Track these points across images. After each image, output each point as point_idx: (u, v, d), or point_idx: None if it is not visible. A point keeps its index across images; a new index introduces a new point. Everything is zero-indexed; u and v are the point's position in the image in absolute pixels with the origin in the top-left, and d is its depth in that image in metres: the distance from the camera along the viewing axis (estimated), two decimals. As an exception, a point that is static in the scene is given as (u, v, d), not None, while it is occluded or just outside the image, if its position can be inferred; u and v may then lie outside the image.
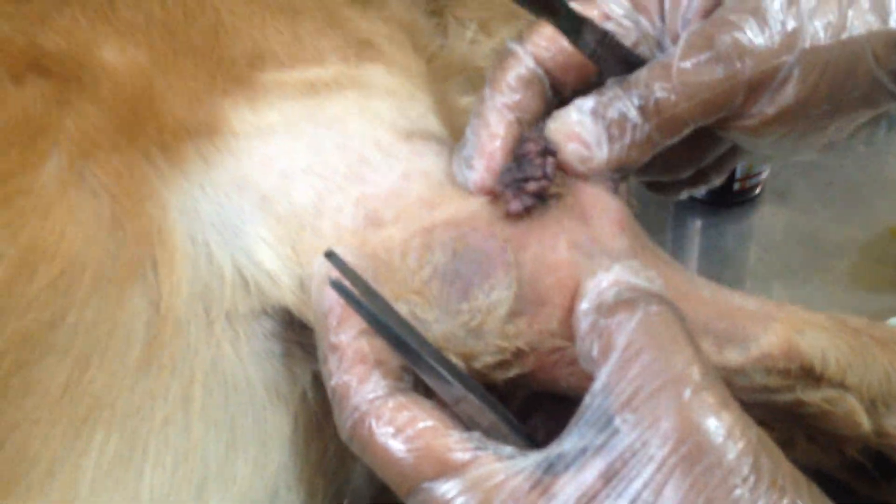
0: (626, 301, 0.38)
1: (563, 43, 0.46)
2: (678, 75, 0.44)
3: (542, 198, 0.44)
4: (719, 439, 0.35)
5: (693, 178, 0.56)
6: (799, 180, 0.83)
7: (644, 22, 0.48)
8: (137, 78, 0.46)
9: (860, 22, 0.43)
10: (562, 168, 0.46)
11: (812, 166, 0.83)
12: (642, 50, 0.48)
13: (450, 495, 0.36)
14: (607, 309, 0.38)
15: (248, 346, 0.45)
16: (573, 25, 0.45)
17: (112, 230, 0.42)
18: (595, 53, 0.46)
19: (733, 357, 0.44)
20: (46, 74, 0.45)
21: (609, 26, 0.47)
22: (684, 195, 0.58)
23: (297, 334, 0.46)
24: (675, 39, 0.47)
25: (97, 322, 0.40)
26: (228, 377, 0.44)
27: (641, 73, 0.45)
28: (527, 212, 0.44)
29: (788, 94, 0.44)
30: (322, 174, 0.46)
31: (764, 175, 0.80)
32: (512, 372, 0.44)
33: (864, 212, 0.78)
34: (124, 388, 0.41)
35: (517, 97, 0.46)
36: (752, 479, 0.34)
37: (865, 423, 0.45)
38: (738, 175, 0.80)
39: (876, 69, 0.44)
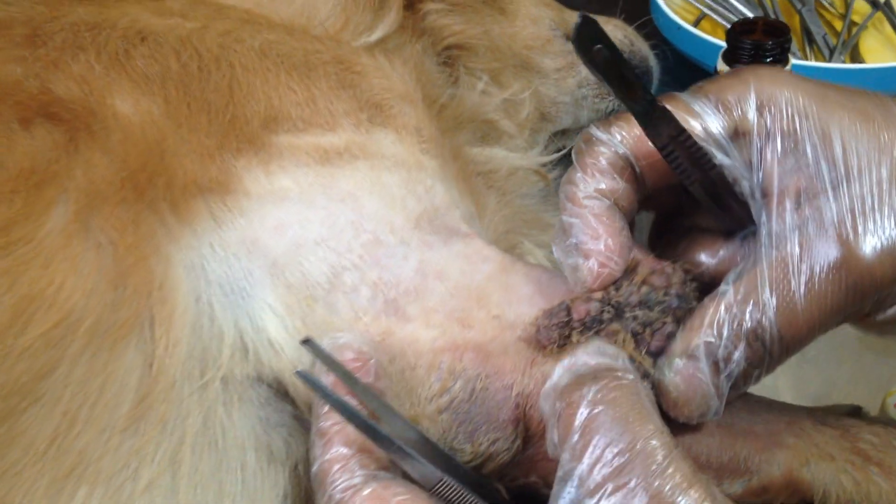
0: (575, 382, 0.38)
1: (646, 141, 0.43)
2: (807, 306, 0.40)
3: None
4: None
5: None
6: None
7: (734, 152, 0.43)
8: (150, 130, 0.46)
9: None
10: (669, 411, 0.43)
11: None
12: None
13: None
14: (561, 391, 0.38)
15: (241, 411, 0.44)
16: (649, 112, 0.42)
17: (113, 284, 0.42)
18: (666, 148, 0.43)
19: (733, 489, 0.44)
20: (57, 121, 0.45)
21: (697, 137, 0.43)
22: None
23: (293, 406, 0.46)
24: (768, 194, 0.43)
25: (88, 377, 0.40)
26: (219, 441, 0.43)
27: (762, 301, 0.40)
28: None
29: None
30: (337, 250, 0.46)
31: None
32: (507, 480, 0.45)
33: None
34: (111, 445, 0.40)
35: (612, 183, 0.44)
36: None
37: None
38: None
39: None
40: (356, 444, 0.40)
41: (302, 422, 0.45)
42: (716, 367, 0.40)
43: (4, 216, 0.41)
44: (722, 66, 0.66)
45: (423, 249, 0.47)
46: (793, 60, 0.93)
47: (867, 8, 1.04)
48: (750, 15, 0.99)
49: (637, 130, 0.44)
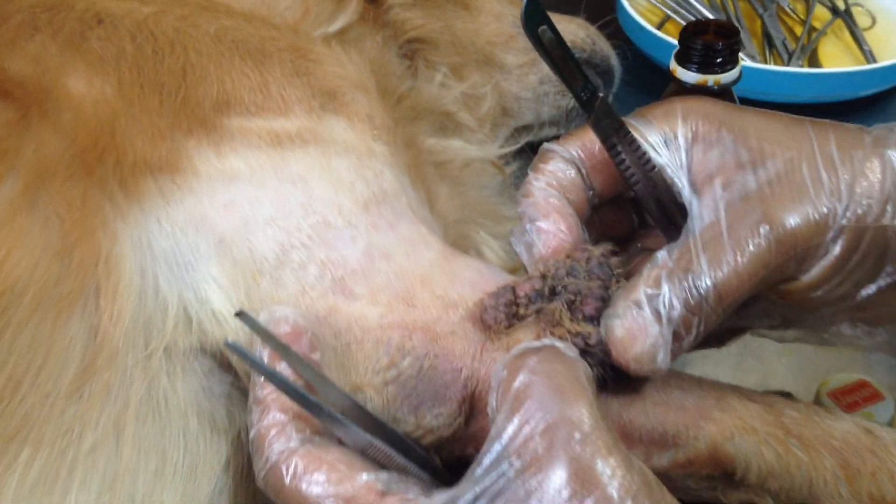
0: (520, 354, 0.40)
1: (594, 148, 0.49)
2: (735, 258, 0.44)
3: None
4: (603, 481, 0.36)
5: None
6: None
7: (667, 153, 0.48)
8: (102, 109, 0.47)
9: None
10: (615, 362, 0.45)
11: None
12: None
13: None
14: (504, 364, 0.40)
15: (184, 381, 0.46)
16: (591, 102, 0.47)
17: (59, 256, 0.43)
18: (609, 140, 0.47)
19: (660, 463, 0.46)
20: (10, 99, 0.46)
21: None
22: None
23: (236, 377, 0.47)
24: (702, 181, 0.47)
25: (33, 344, 0.41)
26: (162, 408, 0.45)
27: (696, 258, 0.44)
28: None
29: (826, 263, 0.45)
30: (286, 229, 0.47)
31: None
32: (444, 452, 0.46)
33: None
34: (56, 410, 0.41)
35: (563, 180, 0.48)
36: None
37: None
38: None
39: None
40: (291, 411, 0.41)
41: (244, 392, 0.47)
42: (657, 315, 0.43)
43: (-47, 190, 0.42)
44: (674, 65, 0.68)
45: (371, 232, 0.49)
46: (751, 63, 0.96)
47: (828, 15, 1.06)
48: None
49: (584, 139, 0.49)
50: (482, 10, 0.82)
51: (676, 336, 0.43)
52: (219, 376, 0.47)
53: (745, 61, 0.96)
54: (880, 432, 0.49)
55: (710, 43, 0.67)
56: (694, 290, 0.43)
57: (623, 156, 0.48)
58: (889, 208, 0.45)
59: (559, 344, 0.42)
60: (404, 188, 0.54)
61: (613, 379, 0.45)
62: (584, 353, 0.44)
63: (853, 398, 0.63)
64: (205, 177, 0.48)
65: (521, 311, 0.45)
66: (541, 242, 0.47)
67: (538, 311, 0.45)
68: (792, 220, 0.44)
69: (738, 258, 0.44)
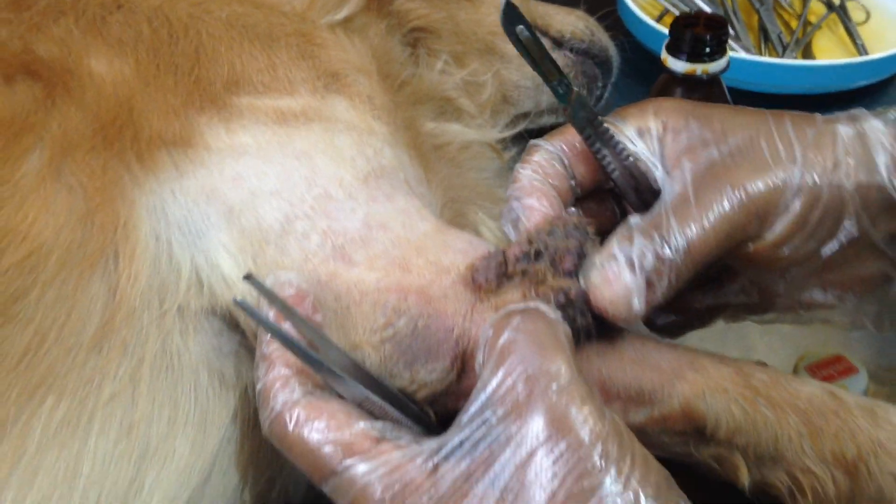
0: (506, 314, 0.44)
1: (575, 142, 0.53)
2: (702, 216, 0.48)
3: None
4: (576, 427, 0.40)
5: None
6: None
7: (645, 145, 0.53)
8: (121, 88, 0.51)
9: (848, 171, 0.50)
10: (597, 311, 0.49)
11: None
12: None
13: (357, 478, 0.41)
14: (491, 323, 0.44)
15: (196, 339, 0.49)
16: (567, 95, 0.51)
17: (81, 222, 0.47)
18: (585, 131, 0.52)
19: (636, 419, 0.49)
20: (37, 77, 0.50)
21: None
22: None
23: (244, 338, 0.51)
24: (673, 163, 0.52)
25: (57, 301, 0.45)
26: (175, 363, 0.48)
27: (665, 218, 0.49)
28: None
29: (786, 221, 0.49)
30: (290, 200, 0.51)
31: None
32: (438, 406, 0.50)
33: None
34: (77, 362, 0.45)
35: (546, 167, 0.53)
36: (599, 465, 0.39)
37: (746, 479, 0.50)
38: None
39: (867, 224, 0.50)
40: (295, 367, 0.45)
41: (251, 351, 0.50)
42: (631, 263, 0.47)
43: (-16, 159, 0.46)
44: (665, 55, 0.71)
45: (370, 203, 0.52)
46: (746, 55, 0.99)
47: (823, 9, 1.09)
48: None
49: (566, 135, 0.54)
50: (484, 1, 0.85)
51: (649, 284, 0.47)
52: (228, 336, 0.50)
53: (739, 53, 0.99)
54: (844, 396, 0.52)
55: (698, 34, 0.70)
56: (664, 244, 0.48)
57: (599, 146, 0.52)
58: (841, 170, 0.49)
59: (542, 306, 0.45)
60: (402, 165, 0.57)
61: (597, 329, 0.49)
62: (567, 306, 0.47)
63: (828, 371, 0.66)
64: (215, 151, 0.51)
65: (510, 270, 0.49)
66: (525, 217, 0.51)
67: (523, 272, 0.49)
68: (753, 185, 0.49)
69: (705, 216, 0.48)
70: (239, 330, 0.50)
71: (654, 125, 0.53)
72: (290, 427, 0.43)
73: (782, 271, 0.52)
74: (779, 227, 0.50)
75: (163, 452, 0.47)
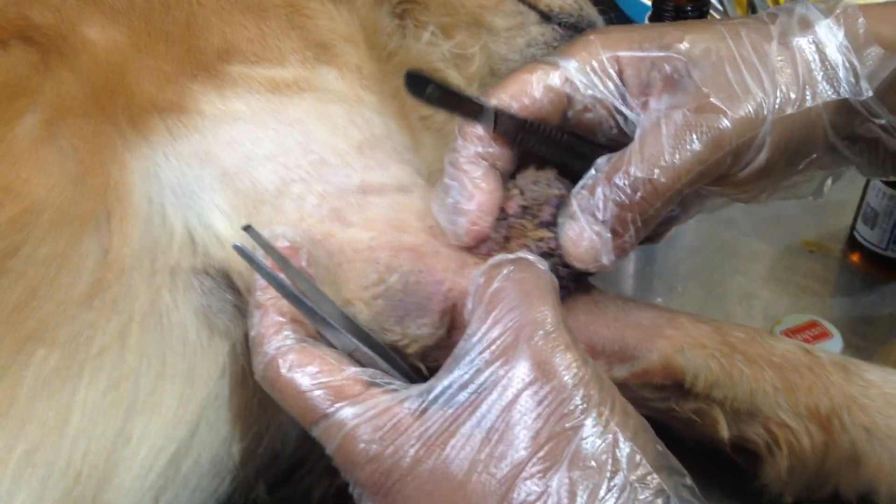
0: (496, 263, 0.46)
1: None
2: (671, 156, 0.48)
3: None
4: (560, 374, 0.42)
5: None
6: (726, 196, 0.89)
7: (603, 86, 0.51)
8: (114, 55, 0.52)
9: (816, 93, 0.50)
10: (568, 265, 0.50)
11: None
12: (592, 116, 0.51)
13: (346, 420, 0.43)
14: (482, 272, 0.45)
15: (185, 297, 0.51)
16: (490, 118, 0.50)
17: (74, 183, 0.48)
18: (517, 137, 0.51)
19: (619, 374, 0.52)
20: (32, 43, 0.51)
21: (567, 89, 0.51)
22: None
23: (234, 297, 0.52)
24: (641, 103, 0.51)
25: (50, 258, 0.46)
26: (164, 320, 0.50)
27: (635, 161, 0.48)
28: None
29: (762, 158, 0.50)
30: (286, 164, 0.52)
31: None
32: (428, 360, 0.51)
33: (784, 226, 0.84)
34: (67, 316, 0.46)
35: (490, 148, 0.51)
36: (580, 407, 0.41)
37: (725, 432, 0.53)
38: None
39: (831, 135, 0.50)
40: (288, 315, 0.46)
41: (241, 309, 0.52)
42: (595, 218, 0.48)
43: (-21, 120, 0.47)
44: (647, 25, 0.72)
45: (365, 171, 0.54)
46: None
47: (814, -14, 1.09)
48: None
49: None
50: (473, -26, 0.86)
51: (615, 233, 0.48)
52: (218, 295, 0.52)
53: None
54: (818, 353, 0.54)
55: (680, 5, 0.72)
56: (626, 189, 0.48)
57: (532, 142, 0.51)
58: (808, 93, 0.49)
59: (531, 256, 0.47)
60: (391, 134, 0.58)
61: (577, 279, 0.51)
62: (550, 256, 0.50)
63: (804, 336, 0.68)
64: (209, 117, 0.52)
65: (517, 220, 0.51)
66: (462, 228, 0.50)
67: (510, 226, 0.51)
68: (725, 121, 0.48)
69: (675, 156, 0.48)
70: (229, 288, 0.52)
71: (608, 63, 0.51)
72: (283, 371, 0.44)
73: (749, 198, 0.53)
74: (755, 164, 0.50)
75: (150, 405, 0.49)
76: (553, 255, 0.50)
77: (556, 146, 0.52)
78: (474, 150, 0.51)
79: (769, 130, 0.49)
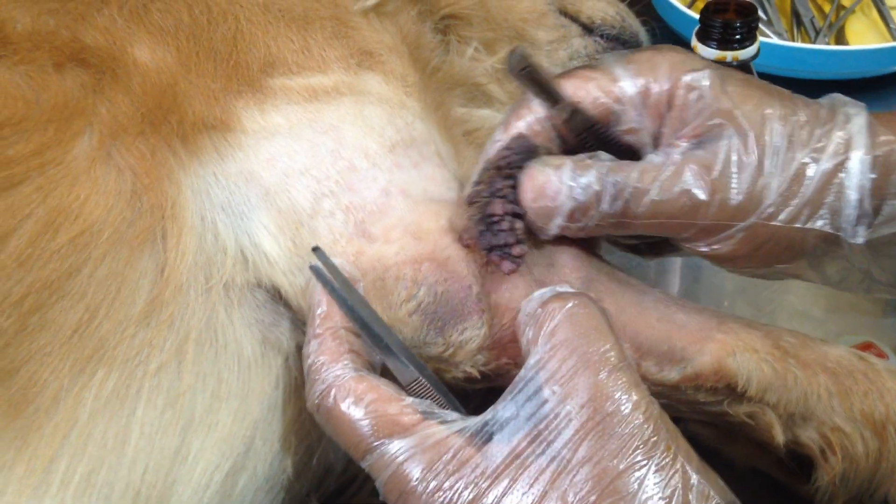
0: (557, 296, 0.46)
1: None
2: (651, 197, 0.49)
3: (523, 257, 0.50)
4: (627, 409, 0.41)
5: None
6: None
7: (642, 118, 0.52)
8: (164, 75, 0.53)
9: (811, 217, 0.49)
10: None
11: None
12: (630, 139, 0.53)
13: (399, 453, 0.42)
14: (542, 303, 0.45)
15: (240, 312, 0.51)
16: (569, 111, 0.52)
17: (130, 202, 0.49)
18: (581, 136, 0.53)
19: (671, 376, 0.51)
20: (85, 66, 0.52)
21: (616, 107, 0.52)
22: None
23: (286, 309, 0.53)
24: (665, 142, 0.52)
25: (108, 277, 0.47)
26: (219, 336, 0.50)
27: (623, 171, 0.50)
28: (517, 269, 0.50)
29: (731, 244, 0.50)
30: (317, 177, 0.53)
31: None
32: (479, 385, 0.52)
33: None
34: (126, 335, 0.47)
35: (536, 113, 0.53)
36: (651, 441, 0.41)
37: (780, 436, 0.52)
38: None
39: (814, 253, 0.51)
40: (346, 345, 0.47)
41: (293, 322, 0.52)
42: (569, 188, 0.50)
43: (39, 141, 0.48)
44: (695, 42, 0.72)
45: (393, 170, 0.54)
46: (778, 41, 0.99)
47: (856, -8, 1.08)
48: (744, -3, 1.04)
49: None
50: (515, -12, 0.86)
51: (572, 215, 0.50)
52: (271, 308, 0.52)
53: (771, 38, 1.00)
54: (873, 360, 0.53)
55: (728, 21, 0.71)
56: (606, 199, 0.49)
57: (590, 141, 0.53)
58: (805, 214, 0.50)
59: (590, 294, 0.47)
60: (434, 139, 0.59)
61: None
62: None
63: (860, 358, 0.67)
64: (251, 133, 0.53)
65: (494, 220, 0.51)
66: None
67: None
68: (695, 193, 0.49)
69: (659, 193, 0.49)
70: (281, 302, 0.52)
71: (658, 86, 0.52)
72: (339, 400, 0.44)
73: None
74: (721, 248, 0.51)
75: (207, 422, 0.49)
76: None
77: (608, 151, 0.53)
78: (535, 117, 0.53)
79: (745, 228, 0.50)
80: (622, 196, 0.49)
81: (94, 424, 0.46)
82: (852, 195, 0.49)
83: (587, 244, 0.54)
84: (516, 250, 0.50)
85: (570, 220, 0.50)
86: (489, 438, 0.42)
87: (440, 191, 0.54)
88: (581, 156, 0.51)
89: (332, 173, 0.53)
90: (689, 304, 0.54)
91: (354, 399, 0.44)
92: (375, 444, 0.43)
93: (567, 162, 0.50)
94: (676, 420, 0.62)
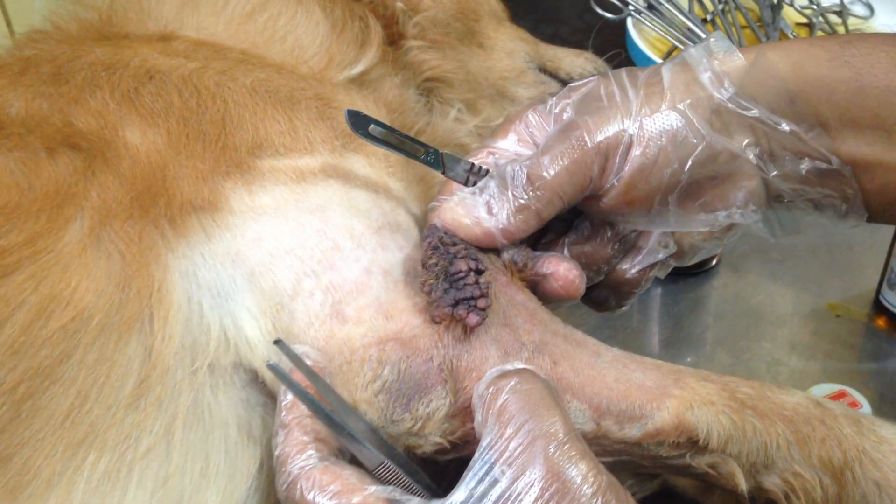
0: (501, 375, 0.48)
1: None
2: (543, 153, 0.54)
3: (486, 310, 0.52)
4: (577, 482, 0.43)
5: (619, 294, 0.64)
6: (753, 256, 0.91)
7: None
8: (154, 157, 0.54)
9: (678, 99, 0.54)
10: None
11: (766, 246, 0.91)
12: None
13: None
14: (487, 383, 0.47)
15: (225, 392, 0.52)
16: (438, 159, 0.57)
17: (120, 286, 0.50)
18: (468, 181, 0.57)
19: (633, 433, 0.53)
20: (77, 149, 0.53)
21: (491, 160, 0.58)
22: (622, 308, 0.65)
23: (270, 389, 0.54)
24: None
25: (98, 362, 0.48)
26: (206, 416, 0.51)
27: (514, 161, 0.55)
28: (482, 322, 0.52)
29: (634, 159, 0.53)
30: (301, 257, 0.54)
31: (720, 250, 0.87)
32: (450, 455, 0.53)
33: (809, 289, 0.86)
34: (116, 419, 0.48)
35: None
36: None
37: (743, 484, 0.53)
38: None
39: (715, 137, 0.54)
40: (312, 433, 0.48)
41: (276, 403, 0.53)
42: (489, 208, 0.54)
43: (32, 230, 0.49)
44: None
45: (377, 251, 0.55)
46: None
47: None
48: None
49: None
50: (495, 48, 0.89)
51: (489, 206, 0.54)
52: (255, 388, 0.53)
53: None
54: (830, 405, 0.55)
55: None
56: (508, 175, 0.54)
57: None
58: (670, 97, 0.54)
59: (532, 367, 0.49)
60: (417, 223, 0.60)
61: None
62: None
63: (834, 406, 0.69)
64: (238, 213, 0.54)
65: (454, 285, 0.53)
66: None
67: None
68: (598, 135, 0.54)
69: (550, 156, 0.54)
70: (263, 383, 0.53)
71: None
72: (305, 491, 0.46)
73: (649, 206, 0.56)
74: (634, 162, 0.54)
75: (196, 501, 0.50)
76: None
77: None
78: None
79: (636, 132, 0.53)
80: (523, 164, 0.54)
81: None
82: (704, 76, 0.54)
83: (542, 305, 0.56)
84: (481, 303, 0.51)
85: (491, 215, 0.54)
86: None
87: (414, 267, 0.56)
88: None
89: (317, 253, 0.54)
90: (646, 360, 0.56)
91: (319, 490, 0.45)
92: None
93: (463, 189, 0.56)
94: (654, 476, 0.64)
